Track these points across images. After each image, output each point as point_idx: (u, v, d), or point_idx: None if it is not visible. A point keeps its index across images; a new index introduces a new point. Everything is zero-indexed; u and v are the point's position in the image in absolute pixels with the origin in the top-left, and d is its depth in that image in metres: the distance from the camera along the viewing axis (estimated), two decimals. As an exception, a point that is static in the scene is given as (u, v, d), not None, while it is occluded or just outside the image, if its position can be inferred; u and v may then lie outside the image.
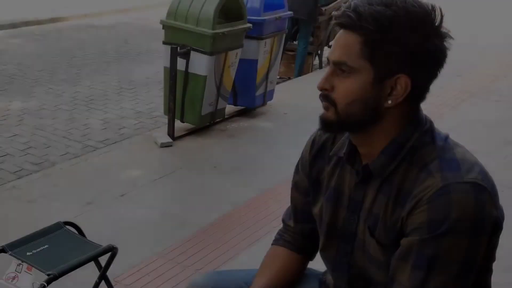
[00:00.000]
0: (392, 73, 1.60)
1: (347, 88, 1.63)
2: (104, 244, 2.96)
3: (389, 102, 1.63)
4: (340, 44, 1.63)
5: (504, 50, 11.03)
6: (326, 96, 1.67)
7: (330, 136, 1.92)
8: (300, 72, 9.64)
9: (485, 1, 18.11)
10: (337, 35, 1.66)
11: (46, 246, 2.93)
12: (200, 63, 6.17)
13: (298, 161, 2.05)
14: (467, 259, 1.57)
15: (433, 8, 1.60)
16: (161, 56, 7.08)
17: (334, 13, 1.66)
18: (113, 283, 3.14)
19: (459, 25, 13.33)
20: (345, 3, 1.69)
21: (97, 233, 4.10)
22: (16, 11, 15.05)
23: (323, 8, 9.46)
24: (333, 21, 1.68)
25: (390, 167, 1.68)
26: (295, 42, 9.70)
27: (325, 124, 1.71)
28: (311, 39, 9.69)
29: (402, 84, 1.61)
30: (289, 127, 6.90)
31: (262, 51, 7.00)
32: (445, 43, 1.61)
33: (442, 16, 1.60)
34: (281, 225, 2.19)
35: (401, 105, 1.64)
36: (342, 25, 1.62)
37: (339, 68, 1.63)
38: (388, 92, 1.62)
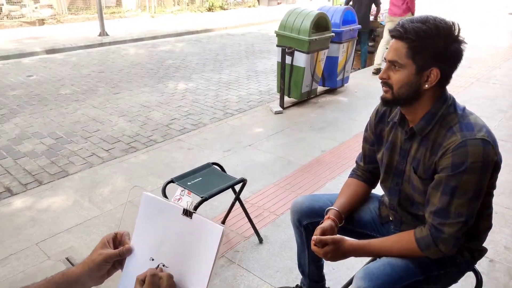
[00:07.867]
0: (428, 67, 1.61)
1: (399, 78, 1.65)
2: (238, 177, 3.03)
3: (426, 86, 1.64)
4: (393, 49, 1.65)
5: (499, 48, 10.89)
6: (385, 82, 1.70)
7: (388, 108, 1.93)
8: (365, 65, 9.56)
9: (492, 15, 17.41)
10: (391, 43, 1.68)
11: (200, 179, 3.02)
12: (300, 59, 6.17)
13: (367, 123, 2.06)
14: (477, 188, 1.57)
15: (453, 23, 1.58)
16: (275, 54, 7.16)
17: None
18: (244, 203, 3.22)
19: (473, 32, 12.87)
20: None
21: (233, 170, 4.29)
22: (179, 25, 15.46)
23: (381, 24, 9.45)
24: (388, 33, 1.71)
25: (427, 129, 1.69)
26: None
27: (385, 101, 1.74)
28: (372, 43, 9.56)
29: (435, 74, 1.61)
30: (358, 100, 6.78)
31: (341, 51, 6.88)
32: (461, 46, 1.60)
33: (459, 29, 1.59)
34: (355, 165, 2.22)
35: (434, 87, 1.65)
36: (394, 37, 1.64)
37: (393, 64, 1.66)
38: (425, 79, 1.63)
